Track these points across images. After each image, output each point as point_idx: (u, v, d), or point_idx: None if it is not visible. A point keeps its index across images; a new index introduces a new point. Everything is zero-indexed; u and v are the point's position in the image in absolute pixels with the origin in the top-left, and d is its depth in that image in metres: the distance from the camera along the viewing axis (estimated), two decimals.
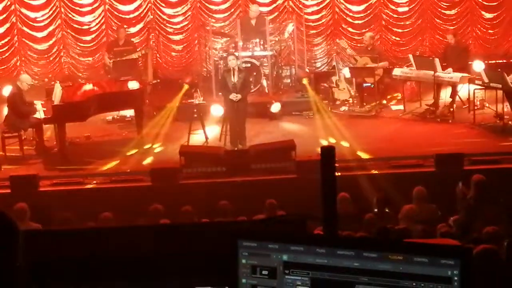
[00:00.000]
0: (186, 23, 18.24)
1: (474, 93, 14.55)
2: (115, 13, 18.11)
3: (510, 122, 13.78)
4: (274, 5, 18.07)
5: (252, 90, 15.69)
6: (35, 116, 13.20)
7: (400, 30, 18.25)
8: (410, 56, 15.60)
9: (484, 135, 13.59)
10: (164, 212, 10.02)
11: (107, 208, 10.33)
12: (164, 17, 18.22)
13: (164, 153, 13.23)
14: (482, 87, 14.38)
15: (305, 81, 15.78)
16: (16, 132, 13.25)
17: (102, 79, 15.90)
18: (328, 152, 3.30)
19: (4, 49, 17.96)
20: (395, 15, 18.27)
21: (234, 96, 13.31)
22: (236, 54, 15.06)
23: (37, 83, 16.26)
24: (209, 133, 14.04)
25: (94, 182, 12.13)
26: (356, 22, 18.21)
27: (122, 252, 3.77)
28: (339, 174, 9.42)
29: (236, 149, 13.14)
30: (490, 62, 16.73)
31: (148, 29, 18.00)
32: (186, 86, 15.04)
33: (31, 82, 13.96)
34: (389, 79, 15.56)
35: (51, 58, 18.09)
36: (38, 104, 13.40)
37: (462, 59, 15.22)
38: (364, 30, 17.65)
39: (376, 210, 10.09)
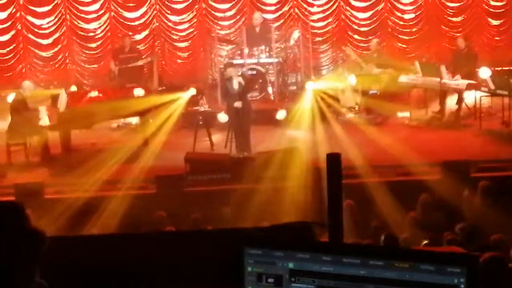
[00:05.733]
0: (191, 30, 18.26)
1: (480, 100, 14.52)
2: (121, 20, 18.14)
3: None
4: (280, 12, 18.08)
5: (258, 97, 15.70)
6: (40, 123, 13.20)
7: (406, 37, 18.24)
8: (416, 63, 15.56)
9: (490, 142, 13.54)
10: (168, 220, 10.00)
11: (112, 215, 10.32)
12: (170, 24, 18.24)
13: (170, 160, 13.20)
14: (488, 94, 14.36)
15: (308, 85, 15.68)
16: (21, 139, 13.26)
17: (107, 86, 15.90)
18: (334, 159, 3.28)
19: (10, 56, 17.99)
20: (401, 22, 18.26)
21: (237, 104, 13.32)
22: (237, 62, 15.07)
23: (42, 91, 16.27)
24: (214, 140, 14.04)
25: (99, 190, 12.10)
26: (362, 29, 18.21)
27: (127, 259, 3.76)
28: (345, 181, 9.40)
29: (241, 156, 13.12)
30: (496, 69, 16.68)
31: (153, 36, 18.01)
32: (193, 89, 15.01)
33: (33, 88, 13.96)
34: (395, 86, 15.51)
35: (56, 65, 18.11)
36: (43, 110, 13.41)
37: (471, 65, 15.13)
38: (370, 37, 17.63)
39: None
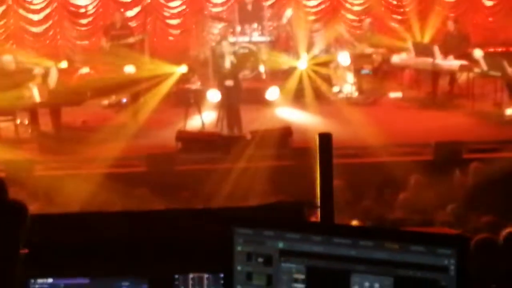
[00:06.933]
0: (183, 7, 18.17)
1: (473, 81, 14.50)
2: None
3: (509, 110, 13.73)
4: None
5: (249, 76, 15.66)
6: (30, 99, 13.12)
7: (399, 17, 18.18)
8: (409, 43, 15.54)
9: (483, 123, 13.55)
10: (152, 197, 9.97)
11: (102, 193, 10.28)
12: (162, 1, 18.14)
13: (160, 138, 13.16)
14: (481, 75, 14.34)
15: (300, 64, 15.64)
16: (10, 115, 13.18)
17: (99, 63, 15.82)
18: (325, 139, 3.25)
19: (0, 31, 17.86)
20: (394, 2, 18.23)
21: (228, 82, 13.28)
22: (232, 39, 14.99)
23: (33, 67, 16.15)
24: (205, 118, 14.00)
25: (89, 167, 12.05)
26: (355, 8, 18.15)
27: (115, 238, 3.73)
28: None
29: (232, 135, 13.10)
30: (489, 50, 16.67)
31: (145, 13, 17.90)
32: (184, 67, 14.91)
33: (13, 60, 13.83)
34: (388, 66, 15.50)
35: (47, 41, 18.01)
36: (34, 88, 13.32)
37: (462, 46, 15.12)
38: (363, 17, 17.57)
39: None
